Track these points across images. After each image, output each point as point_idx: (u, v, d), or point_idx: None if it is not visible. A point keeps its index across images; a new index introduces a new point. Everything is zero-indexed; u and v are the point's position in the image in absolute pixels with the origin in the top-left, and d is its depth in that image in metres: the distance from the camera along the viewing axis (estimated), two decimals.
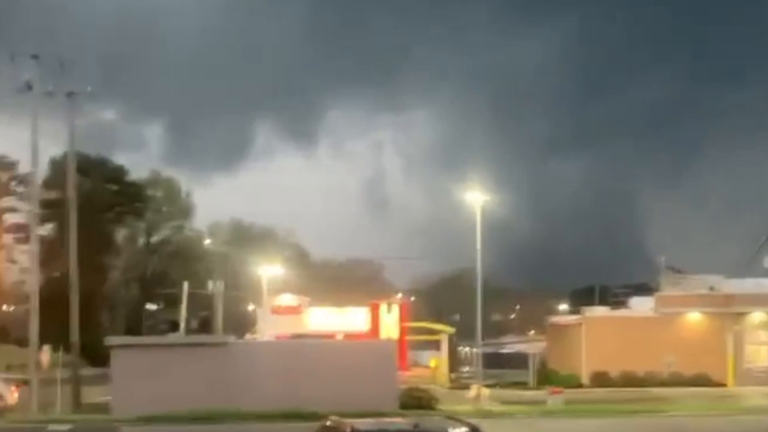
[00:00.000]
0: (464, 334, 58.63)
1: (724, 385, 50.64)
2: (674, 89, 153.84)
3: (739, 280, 53.23)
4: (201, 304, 72.15)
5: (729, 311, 53.11)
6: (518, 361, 55.95)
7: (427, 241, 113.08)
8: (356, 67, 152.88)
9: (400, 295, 75.00)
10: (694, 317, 54.03)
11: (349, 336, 51.47)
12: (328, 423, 11.60)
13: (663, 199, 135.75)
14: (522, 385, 51.38)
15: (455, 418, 11.77)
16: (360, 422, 11.16)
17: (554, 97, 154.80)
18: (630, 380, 50.65)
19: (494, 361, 54.52)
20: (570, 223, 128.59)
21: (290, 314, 56.13)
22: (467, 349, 57.25)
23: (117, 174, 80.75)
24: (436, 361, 58.34)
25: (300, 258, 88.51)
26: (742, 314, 53.63)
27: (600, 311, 58.72)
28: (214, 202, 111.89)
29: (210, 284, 63.48)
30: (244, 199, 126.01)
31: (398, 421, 12.05)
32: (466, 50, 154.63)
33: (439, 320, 65.98)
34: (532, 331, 77.47)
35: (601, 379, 51.21)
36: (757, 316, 53.83)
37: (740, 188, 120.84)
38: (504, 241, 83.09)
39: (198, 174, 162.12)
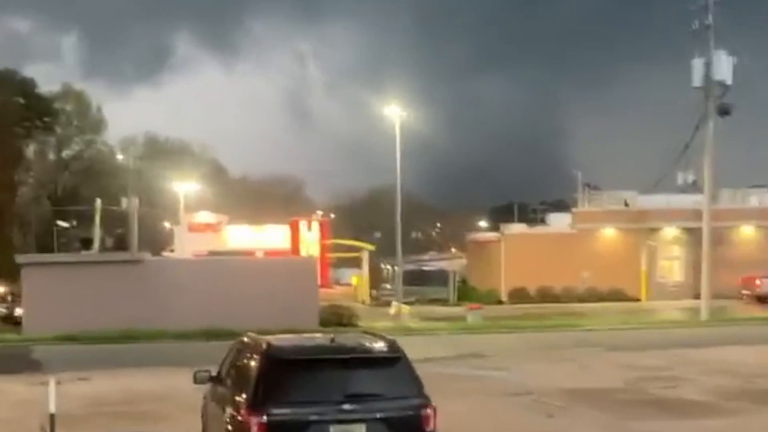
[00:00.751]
0: (385, 251, 58.69)
1: (638, 299, 51.86)
2: (595, 3, 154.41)
3: (652, 196, 53.99)
4: (115, 221, 70.76)
5: (643, 227, 54.10)
6: (439, 278, 56.37)
7: (349, 157, 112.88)
8: None
9: (320, 212, 74.63)
10: (609, 233, 54.95)
11: (269, 253, 51.10)
12: (245, 340, 11.33)
13: (583, 116, 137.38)
14: (442, 301, 51.92)
15: (372, 333, 11.65)
16: (276, 338, 10.94)
17: (478, 13, 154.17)
18: (547, 296, 51.58)
19: (415, 279, 54.84)
20: (492, 140, 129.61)
21: (208, 231, 55.51)
22: (388, 266, 57.39)
23: (26, 87, 77.83)
24: (358, 279, 58.50)
25: (217, 174, 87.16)
26: (655, 230, 54.70)
27: (518, 228, 59.33)
28: (133, 115, 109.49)
29: (124, 201, 62.15)
30: (162, 113, 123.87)
31: (315, 336, 11.81)
32: None
33: (360, 237, 65.99)
34: (453, 249, 78.08)
35: (519, 295, 52.00)
36: (669, 231, 54.95)
37: (659, 104, 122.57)
38: (426, 158, 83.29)
39: (116, 86, 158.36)
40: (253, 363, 10.24)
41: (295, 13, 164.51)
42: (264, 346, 10.29)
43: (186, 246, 54.39)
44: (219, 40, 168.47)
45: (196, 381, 12.22)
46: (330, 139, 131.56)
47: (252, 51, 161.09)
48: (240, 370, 10.74)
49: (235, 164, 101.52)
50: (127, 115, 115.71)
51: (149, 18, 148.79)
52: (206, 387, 12.30)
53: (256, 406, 9.56)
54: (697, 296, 42.40)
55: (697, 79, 39.63)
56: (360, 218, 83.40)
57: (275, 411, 9.45)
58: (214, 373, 11.94)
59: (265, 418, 9.41)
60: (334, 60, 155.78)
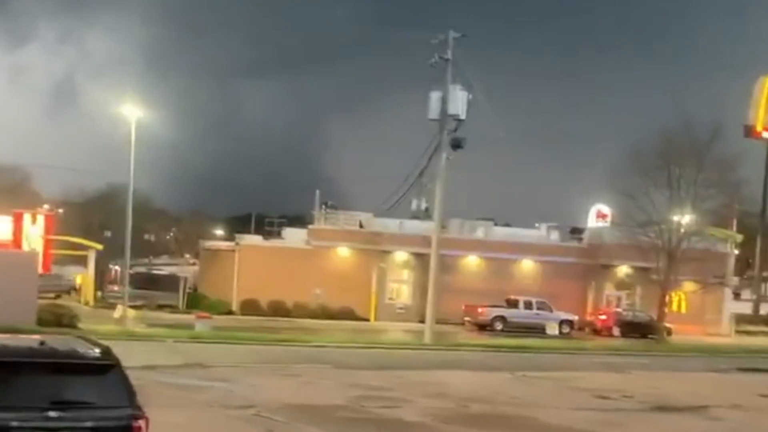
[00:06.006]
0: (115, 252, 56.43)
1: (367, 319, 52.96)
2: (361, 25, 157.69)
3: (386, 220, 55.43)
4: None
5: (375, 248, 55.38)
6: (169, 283, 54.94)
7: (88, 154, 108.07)
8: None
9: (47, 206, 70.70)
10: (343, 252, 55.83)
11: None
12: None
13: (337, 135, 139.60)
14: (171, 308, 50.68)
15: (86, 338, 10.99)
16: None
17: (247, 21, 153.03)
18: (278, 310, 51.58)
19: (145, 282, 53.12)
20: (241, 149, 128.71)
21: None
22: (117, 267, 55.20)
23: None
24: (83, 278, 56.04)
25: None
26: (387, 252, 56.14)
27: (254, 239, 59.04)
28: None
29: None
30: None
31: (23, 337, 10.94)
32: None
33: (90, 236, 63.08)
34: (187, 255, 76.55)
35: (250, 307, 51.61)
36: (400, 255, 56.62)
37: (406, 131, 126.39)
38: (169, 162, 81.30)
39: None
40: None
41: None
42: None
43: None
44: None
45: None
46: (72, 133, 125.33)
47: (10, 29, 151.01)
48: None
49: None
50: None
51: None
52: None
53: None
54: (423, 320, 43.78)
55: (433, 112, 41.00)
56: (91, 216, 79.84)
57: None
58: None
59: None
60: (93, 51, 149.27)
